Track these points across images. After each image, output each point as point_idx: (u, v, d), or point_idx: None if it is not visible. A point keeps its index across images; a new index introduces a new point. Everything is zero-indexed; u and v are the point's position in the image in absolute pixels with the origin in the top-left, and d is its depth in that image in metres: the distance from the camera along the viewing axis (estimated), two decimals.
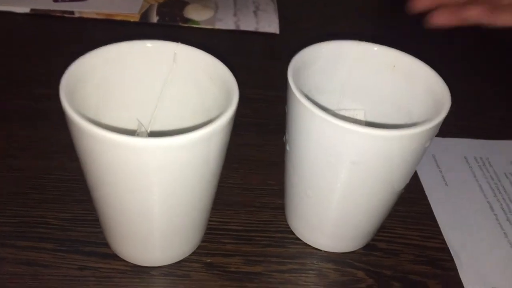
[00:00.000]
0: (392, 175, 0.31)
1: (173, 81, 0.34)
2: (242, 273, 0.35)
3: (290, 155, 0.34)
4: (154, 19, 0.60)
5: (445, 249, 0.38)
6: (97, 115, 0.33)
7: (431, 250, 0.38)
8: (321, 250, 0.37)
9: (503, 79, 0.59)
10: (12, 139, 0.42)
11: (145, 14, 0.61)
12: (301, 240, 0.37)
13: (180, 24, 0.60)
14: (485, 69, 0.60)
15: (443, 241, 0.38)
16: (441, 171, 0.45)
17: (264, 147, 0.45)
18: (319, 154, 0.31)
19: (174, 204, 0.30)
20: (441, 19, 0.40)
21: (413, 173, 0.33)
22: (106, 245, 0.35)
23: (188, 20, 0.61)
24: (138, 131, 0.35)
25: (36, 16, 0.58)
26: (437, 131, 0.31)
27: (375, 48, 0.36)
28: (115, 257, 0.34)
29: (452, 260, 0.37)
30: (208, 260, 0.35)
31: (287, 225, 0.38)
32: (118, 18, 0.59)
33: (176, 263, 0.35)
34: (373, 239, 0.38)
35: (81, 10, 0.59)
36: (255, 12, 0.63)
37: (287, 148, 0.34)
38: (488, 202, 0.42)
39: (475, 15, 0.40)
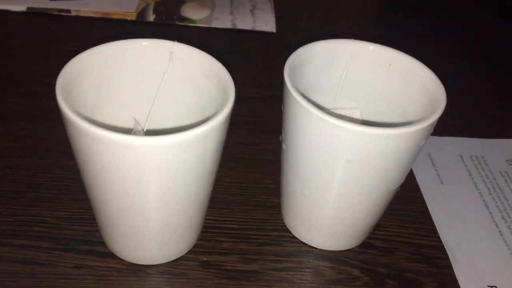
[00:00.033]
0: (387, 173, 0.32)
1: (169, 79, 0.34)
2: (239, 271, 0.35)
3: (286, 154, 0.34)
4: (151, 17, 0.60)
5: (440, 247, 0.38)
6: (93, 113, 0.33)
7: (426, 248, 0.38)
8: (317, 248, 0.37)
9: (498, 78, 0.59)
10: (8, 137, 0.42)
11: (141, 13, 0.60)
12: (297, 239, 0.37)
13: (177, 22, 0.60)
14: (480, 68, 0.61)
15: (438, 239, 0.39)
16: (436, 170, 0.45)
17: (260, 146, 0.45)
18: (315, 152, 0.31)
19: (170, 203, 0.30)
20: None
21: (408, 171, 0.33)
22: (103, 243, 0.35)
23: (184, 19, 0.61)
24: (134, 129, 0.35)
25: (33, 14, 0.58)
26: (433, 129, 0.31)
27: (371, 47, 0.36)
28: (111, 255, 0.34)
29: (447, 258, 0.37)
30: (205, 259, 0.35)
31: (283, 223, 0.38)
32: (115, 16, 0.59)
33: (172, 261, 0.35)
34: (368, 237, 0.38)
35: (77, 8, 0.59)
36: (251, 11, 0.63)
37: (283, 146, 0.34)
38: (483, 200, 0.42)
39: None
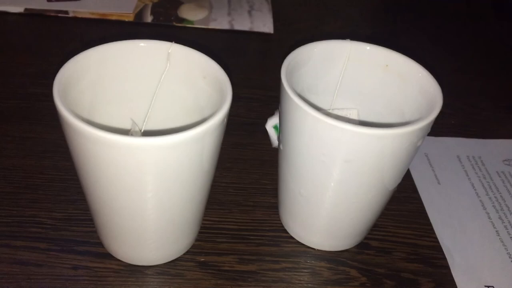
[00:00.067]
0: (384, 173, 0.32)
1: (167, 80, 0.34)
2: (236, 272, 0.35)
3: (284, 154, 0.34)
4: (149, 18, 0.60)
5: (437, 247, 0.38)
6: (91, 114, 0.33)
7: (423, 248, 0.38)
8: (314, 249, 0.37)
9: (495, 78, 0.59)
10: (5, 138, 0.42)
11: (139, 14, 0.61)
12: (294, 239, 0.37)
13: (175, 23, 0.60)
14: (477, 68, 0.61)
15: (435, 239, 0.39)
16: (433, 170, 0.45)
17: (258, 147, 0.45)
18: (312, 153, 0.31)
19: (168, 204, 0.30)
20: None
21: (405, 171, 0.33)
22: (100, 244, 0.35)
23: (182, 20, 0.61)
24: (132, 130, 0.35)
25: (30, 15, 0.58)
26: (429, 130, 0.31)
27: (368, 48, 0.36)
28: (109, 256, 0.34)
29: (444, 258, 0.37)
30: (202, 259, 0.35)
31: (281, 224, 0.38)
32: (113, 17, 0.59)
33: (170, 262, 0.35)
34: (366, 238, 0.38)
35: (75, 9, 0.59)
36: (249, 12, 0.64)
37: (281, 147, 0.35)
38: (480, 200, 0.43)
39: None
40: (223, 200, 0.40)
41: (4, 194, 0.38)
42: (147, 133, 0.36)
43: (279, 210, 0.39)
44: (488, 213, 0.41)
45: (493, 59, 0.63)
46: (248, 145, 0.45)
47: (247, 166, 0.43)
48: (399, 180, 0.34)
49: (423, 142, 0.31)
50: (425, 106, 0.32)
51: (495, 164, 0.46)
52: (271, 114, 0.38)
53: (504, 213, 0.42)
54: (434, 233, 0.39)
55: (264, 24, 0.62)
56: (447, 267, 0.37)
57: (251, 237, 0.37)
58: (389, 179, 0.33)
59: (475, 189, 0.44)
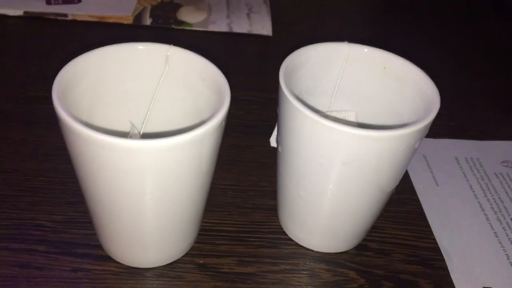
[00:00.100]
0: (383, 175, 0.32)
1: (165, 83, 0.34)
2: (235, 274, 0.35)
3: (282, 157, 0.34)
4: (147, 21, 0.60)
5: (436, 249, 0.38)
6: (90, 117, 0.33)
7: (422, 250, 0.38)
8: (313, 251, 0.37)
9: (493, 80, 0.59)
10: (4, 141, 0.42)
11: (138, 17, 0.61)
12: (293, 241, 0.38)
13: (173, 26, 0.60)
14: (475, 70, 0.61)
15: (434, 241, 0.39)
16: (432, 172, 0.45)
17: (256, 149, 0.45)
18: (310, 155, 0.31)
19: (167, 206, 0.30)
20: None
21: (403, 173, 0.34)
22: (100, 247, 0.35)
23: (181, 23, 0.61)
24: (130, 133, 0.35)
25: (29, 18, 0.58)
26: (427, 132, 0.31)
27: (366, 50, 0.36)
28: (108, 258, 0.34)
29: (443, 259, 0.38)
30: (201, 261, 0.35)
31: (280, 226, 0.38)
32: (111, 20, 0.60)
33: (169, 264, 0.35)
34: (364, 239, 0.38)
35: (74, 12, 0.59)
36: (248, 15, 0.64)
37: (279, 149, 0.35)
38: (478, 202, 0.43)
39: None
40: (222, 202, 0.40)
41: (4, 197, 0.38)
42: (146, 136, 0.36)
43: (278, 212, 0.39)
44: (486, 215, 0.42)
45: (493, 59, 0.63)
46: (247, 147, 0.45)
47: (246, 168, 0.43)
48: (397, 182, 0.34)
49: (421, 143, 0.32)
50: (423, 108, 0.33)
51: (493, 165, 0.46)
52: (270, 116, 0.38)
53: (502, 214, 0.42)
54: (432, 234, 0.39)
55: (263, 26, 0.62)
56: (445, 269, 0.37)
57: (250, 239, 0.37)
58: (388, 181, 0.33)
59: (473, 191, 0.44)
